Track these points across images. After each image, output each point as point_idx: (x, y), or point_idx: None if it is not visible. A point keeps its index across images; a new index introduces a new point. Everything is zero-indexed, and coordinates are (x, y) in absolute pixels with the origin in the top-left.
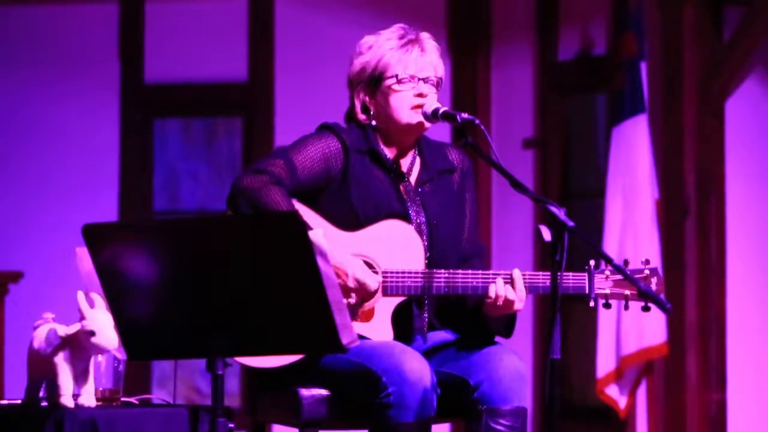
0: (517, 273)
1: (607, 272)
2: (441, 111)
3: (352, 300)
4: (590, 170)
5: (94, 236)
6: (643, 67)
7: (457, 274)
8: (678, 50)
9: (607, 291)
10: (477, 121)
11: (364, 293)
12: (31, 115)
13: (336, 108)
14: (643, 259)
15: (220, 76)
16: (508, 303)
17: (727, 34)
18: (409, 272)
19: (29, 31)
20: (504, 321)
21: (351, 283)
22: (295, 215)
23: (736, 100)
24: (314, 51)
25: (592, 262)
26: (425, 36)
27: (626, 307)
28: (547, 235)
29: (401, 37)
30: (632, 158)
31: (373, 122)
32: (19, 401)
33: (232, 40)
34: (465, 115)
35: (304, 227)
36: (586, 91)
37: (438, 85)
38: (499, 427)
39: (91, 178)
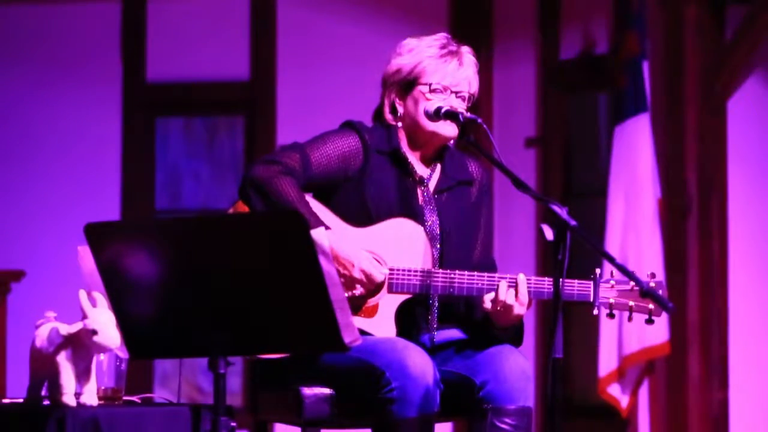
0: (521, 278)
1: (612, 282)
2: (443, 110)
3: (357, 291)
4: (592, 169)
5: (96, 235)
6: (645, 66)
7: (463, 275)
8: (680, 49)
9: (612, 300)
10: (479, 120)
11: (370, 285)
12: (33, 114)
13: (338, 106)
14: (649, 273)
15: (222, 75)
16: (508, 307)
17: (729, 33)
18: (415, 270)
19: (31, 31)
20: (512, 330)
21: (357, 275)
22: (297, 214)
23: (738, 99)
24: (316, 50)
25: (597, 271)
26: (466, 50)
27: (630, 319)
28: (549, 234)
29: (443, 47)
30: (634, 157)
31: (399, 124)
32: (21, 400)
33: (234, 39)
34: (467, 114)
35: (307, 226)
36: (588, 90)
37: (469, 100)
38: (504, 426)
39: (93, 176)
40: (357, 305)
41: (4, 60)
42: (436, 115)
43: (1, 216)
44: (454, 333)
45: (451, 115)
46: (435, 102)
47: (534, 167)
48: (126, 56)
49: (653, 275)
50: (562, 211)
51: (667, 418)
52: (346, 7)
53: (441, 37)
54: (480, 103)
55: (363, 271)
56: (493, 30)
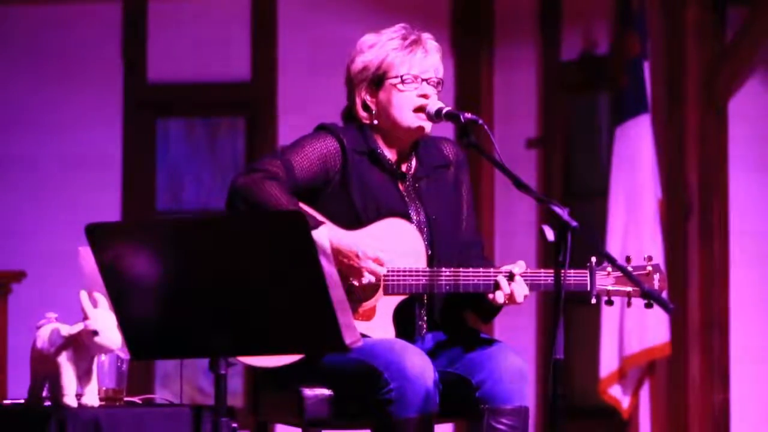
0: (518, 269)
1: (609, 269)
2: (444, 111)
3: (366, 280)
4: (593, 170)
5: (97, 235)
6: (646, 67)
7: (458, 272)
8: (680, 50)
9: (609, 288)
10: (480, 121)
11: (379, 271)
12: (34, 115)
13: (339, 107)
14: (646, 256)
15: (223, 76)
16: (512, 299)
17: (729, 33)
18: (410, 271)
19: (32, 31)
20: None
21: (364, 263)
22: (298, 213)
23: (739, 99)
24: (317, 50)
25: (593, 259)
26: (427, 37)
27: (629, 304)
28: (550, 235)
29: (404, 38)
30: (635, 158)
31: (375, 121)
32: (22, 401)
33: (235, 39)
34: (468, 115)
35: (307, 226)
36: (589, 90)
37: (439, 85)
38: (500, 427)
39: (94, 177)
40: (354, 308)
41: (4, 60)
42: (437, 116)
43: (1, 216)
44: (450, 333)
45: (451, 116)
46: (410, 94)
47: (535, 168)
48: (127, 57)
49: (650, 258)
50: (563, 212)
51: (668, 418)
52: (346, 7)
53: (400, 29)
54: (481, 104)
55: (369, 257)
56: (494, 31)
